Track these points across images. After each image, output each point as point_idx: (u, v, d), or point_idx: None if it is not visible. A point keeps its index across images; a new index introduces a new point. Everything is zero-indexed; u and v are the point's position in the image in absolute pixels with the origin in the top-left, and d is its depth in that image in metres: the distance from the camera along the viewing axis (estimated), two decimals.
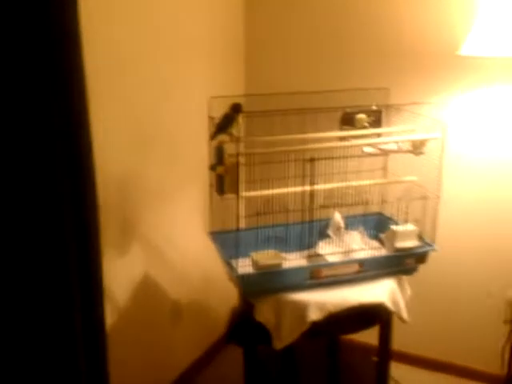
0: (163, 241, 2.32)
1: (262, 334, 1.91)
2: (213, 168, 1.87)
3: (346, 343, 2.59)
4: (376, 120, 2.09)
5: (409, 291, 2.07)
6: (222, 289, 2.17)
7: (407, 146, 2.02)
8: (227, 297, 2.16)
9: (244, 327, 2.13)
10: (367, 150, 2.04)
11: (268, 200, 1.84)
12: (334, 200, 1.93)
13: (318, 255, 1.99)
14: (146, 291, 2.25)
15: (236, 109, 1.77)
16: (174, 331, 2.48)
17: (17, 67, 1.32)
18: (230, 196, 1.84)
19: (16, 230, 1.41)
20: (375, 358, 2.23)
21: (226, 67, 2.60)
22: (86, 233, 1.57)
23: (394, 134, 2.05)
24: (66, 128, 1.45)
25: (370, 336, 2.16)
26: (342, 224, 2.11)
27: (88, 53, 1.48)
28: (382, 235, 2.07)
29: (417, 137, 1.99)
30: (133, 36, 1.98)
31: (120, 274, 2.08)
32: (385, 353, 2.13)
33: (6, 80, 1.32)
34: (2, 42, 1.29)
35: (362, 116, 2.06)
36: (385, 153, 2.08)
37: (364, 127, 2.04)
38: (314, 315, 1.80)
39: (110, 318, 1.76)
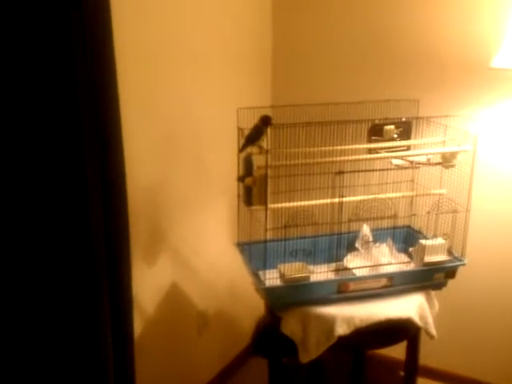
0: (190, 251, 2.33)
1: (287, 345, 1.90)
2: (241, 179, 1.88)
3: (373, 357, 2.57)
4: (405, 131, 2.07)
5: (437, 306, 2.04)
6: (248, 300, 2.16)
7: (437, 159, 2.00)
8: (253, 308, 2.15)
9: (269, 338, 2.12)
10: (396, 162, 2.02)
11: (296, 212, 1.83)
12: (363, 213, 1.92)
13: (346, 268, 1.97)
14: (173, 301, 2.26)
15: (265, 122, 1.77)
16: (199, 341, 2.48)
17: (48, 73, 1.34)
18: (257, 207, 1.84)
19: (45, 240, 1.43)
20: (402, 373, 2.21)
21: (253, 78, 2.61)
22: (116, 243, 1.59)
23: (424, 146, 2.03)
24: (98, 139, 1.47)
25: (396, 350, 2.13)
26: (371, 237, 2.09)
27: (119, 64, 1.50)
28: (411, 249, 2.05)
29: (447, 149, 1.97)
30: (162, 47, 2.00)
31: (147, 284, 2.09)
32: (412, 368, 2.11)
33: (39, 88, 1.34)
34: (36, 51, 1.32)
35: (390, 127, 2.04)
36: (414, 165, 2.06)
37: (392, 138, 2.03)
38: (341, 329, 1.79)
39: (136, 326, 1.77)
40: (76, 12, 1.34)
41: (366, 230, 2.10)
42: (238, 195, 1.95)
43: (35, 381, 1.50)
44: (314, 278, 1.88)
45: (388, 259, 2.04)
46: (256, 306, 2.10)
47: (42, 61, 1.32)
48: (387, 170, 1.97)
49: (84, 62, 1.38)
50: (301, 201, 1.86)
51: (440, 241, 1.96)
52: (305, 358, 1.85)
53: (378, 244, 2.11)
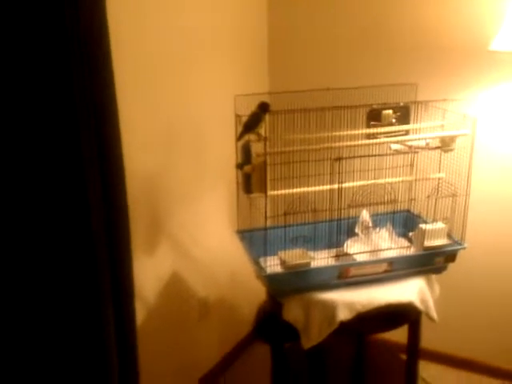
0: (190, 239, 2.33)
1: (288, 331, 1.91)
2: (240, 167, 1.87)
3: (374, 341, 2.58)
4: (403, 116, 2.06)
5: (438, 290, 2.05)
6: (249, 286, 2.17)
7: (436, 143, 2.00)
8: (254, 294, 2.16)
9: (271, 324, 2.13)
10: (395, 146, 2.02)
11: (295, 199, 1.83)
12: (362, 198, 1.91)
13: (346, 254, 1.97)
14: (174, 289, 2.26)
15: (264, 108, 1.76)
16: (201, 329, 2.49)
17: (45, 67, 1.33)
18: (257, 195, 1.84)
19: (45, 232, 1.43)
20: (403, 356, 2.22)
21: (250, 65, 2.59)
22: (116, 233, 1.58)
23: (423, 130, 2.02)
24: (95, 129, 1.46)
25: (398, 334, 2.14)
26: (370, 222, 2.09)
27: (115, 50, 1.48)
28: (411, 233, 2.05)
29: (446, 133, 1.96)
30: (159, 35, 1.98)
31: (148, 272, 2.09)
32: (414, 352, 2.11)
33: (37, 83, 1.33)
34: (35, 50, 1.31)
35: (388, 112, 2.03)
36: (413, 150, 2.05)
37: (391, 123, 2.02)
38: (342, 315, 1.79)
39: (138, 315, 1.77)
40: (71, 6, 1.33)
41: (365, 215, 2.10)
42: (237, 183, 1.94)
43: (37, 371, 1.51)
44: (315, 264, 1.88)
45: (388, 244, 2.04)
46: (257, 293, 2.10)
47: (37, 55, 1.31)
48: (386, 155, 1.96)
49: (80, 52, 1.37)
50: (300, 187, 1.85)
51: (440, 225, 1.96)
52: (307, 343, 1.86)
53: (377, 229, 2.11)
